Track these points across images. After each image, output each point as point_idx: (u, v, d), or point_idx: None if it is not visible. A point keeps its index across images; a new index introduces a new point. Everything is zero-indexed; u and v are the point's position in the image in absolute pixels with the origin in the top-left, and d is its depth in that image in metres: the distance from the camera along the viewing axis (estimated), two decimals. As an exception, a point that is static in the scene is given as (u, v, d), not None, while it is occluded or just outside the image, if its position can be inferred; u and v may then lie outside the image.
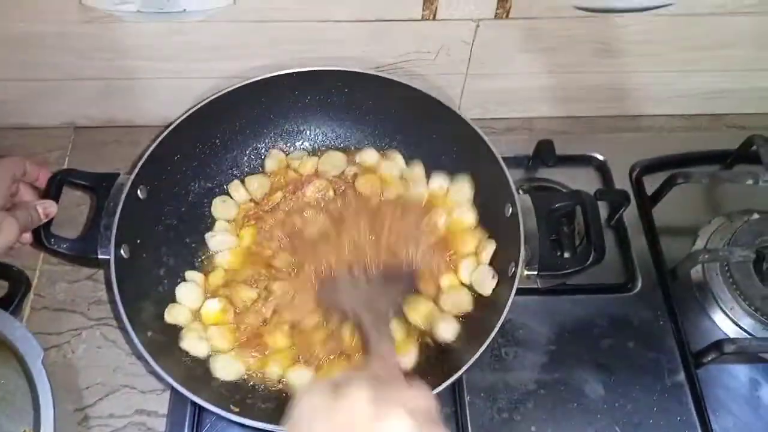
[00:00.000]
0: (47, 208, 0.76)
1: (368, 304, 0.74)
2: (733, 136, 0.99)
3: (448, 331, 0.78)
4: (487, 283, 0.79)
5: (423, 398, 0.47)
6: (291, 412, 0.47)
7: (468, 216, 0.86)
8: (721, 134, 1.05)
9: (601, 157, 0.98)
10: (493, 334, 0.68)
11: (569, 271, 0.74)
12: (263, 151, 0.94)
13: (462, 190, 0.87)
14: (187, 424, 0.78)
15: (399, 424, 0.42)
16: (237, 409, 0.68)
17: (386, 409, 0.43)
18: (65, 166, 0.98)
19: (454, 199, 0.88)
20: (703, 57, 0.96)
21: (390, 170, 0.90)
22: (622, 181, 0.96)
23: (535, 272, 0.73)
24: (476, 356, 0.67)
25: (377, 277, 0.79)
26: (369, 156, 0.92)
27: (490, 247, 0.81)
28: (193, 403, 0.77)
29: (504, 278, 0.74)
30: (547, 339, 0.85)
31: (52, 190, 0.77)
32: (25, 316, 0.86)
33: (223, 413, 0.66)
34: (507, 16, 0.85)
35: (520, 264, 0.72)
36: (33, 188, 0.78)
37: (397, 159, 0.92)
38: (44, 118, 1.01)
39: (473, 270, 0.82)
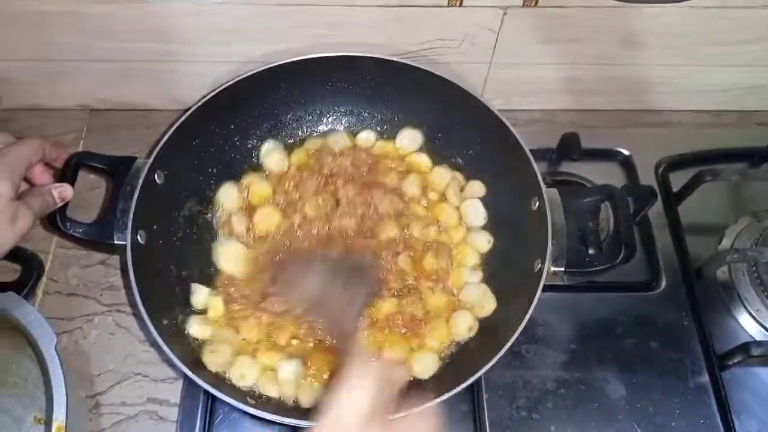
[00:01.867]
0: (63, 192, 0.74)
1: (333, 314, 0.71)
2: (762, 134, 0.97)
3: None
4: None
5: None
6: None
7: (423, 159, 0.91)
8: (750, 131, 1.03)
9: (626, 152, 0.96)
10: (517, 333, 0.67)
11: (598, 268, 0.72)
12: (281, 138, 0.93)
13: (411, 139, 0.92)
14: (199, 413, 0.77)
15: None
16: (253, 402, 0.67)
17: None
18: (80, 149, 0.96)
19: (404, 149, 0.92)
20: (734, 51, 0.93)
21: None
22: (647, 177, 0.94)
23: (562, 269, 0.71)
24: (500, 355, 0.66)
25: (340, 273, 0.75)
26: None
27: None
28: (206, 393, 0.76)
29: (529, 274, 0.72)
30: (568, 337, 0.83)
31: (68, 173, 0.76)
32: (37, 301, 0.85)
33: (239, 405, 0.65)
34: (535, 4, 0.82)
35: (547, 260, 0.70)
36: (49, 169, 0.77)
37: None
38: (59, 100, 0.99)
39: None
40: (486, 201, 0.87)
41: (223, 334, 0.77)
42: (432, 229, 0.84)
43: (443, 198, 0.88)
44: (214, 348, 0.76)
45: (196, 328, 0.77)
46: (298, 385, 0.75)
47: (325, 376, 0.76)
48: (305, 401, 0.74)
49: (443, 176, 0.89)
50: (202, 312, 0.79)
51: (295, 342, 0.77)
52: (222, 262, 0.82)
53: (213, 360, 0.75)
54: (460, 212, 0.87)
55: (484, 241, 0.85)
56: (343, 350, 0.65)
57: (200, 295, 0.80)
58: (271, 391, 0.74)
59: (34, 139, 0.74)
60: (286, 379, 0.75)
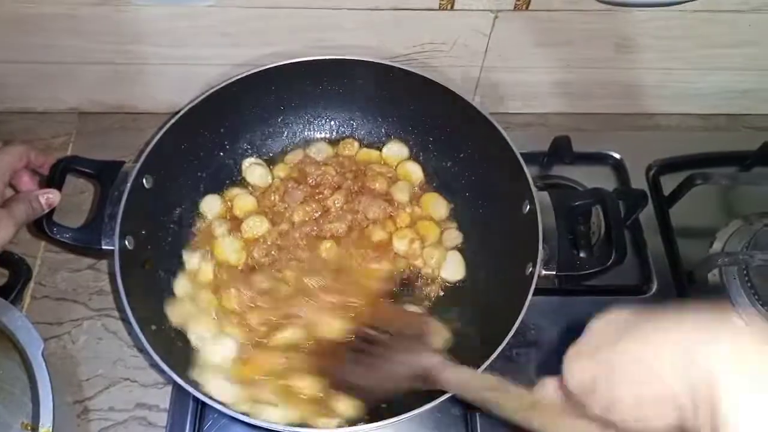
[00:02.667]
0: (50, 198, 0.73)
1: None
2: (752, 138, 0.97)
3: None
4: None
5: None
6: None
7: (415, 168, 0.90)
8: (740, 135, 1.03)
9: (617, 156, 0.96)
10: (508, 337, 0.66)
11: (589, 271, 0.72)
12: (272, 141, 0.92)
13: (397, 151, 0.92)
14: (189, 419, 0.76)
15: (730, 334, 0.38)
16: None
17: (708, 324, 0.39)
18: (69, 153, 0.96)
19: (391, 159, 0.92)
20: (724, 55, 0.94)
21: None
22: (638, 181, 0.94)
23: (553, 272, 0.71)
24: (491, 358, 0.65)
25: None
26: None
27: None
28: (195, 399, 0.76)
29: (521, 278, 0.72)
30: (559, 340, 0.83)
31: (55, 178, 0.75)
32: (25, 305, 0.84)
33: (228, 412, 0.64)
34: (527, 8, 0.82)
35: (538, 263, 0.69)
36: (35, 176, 0.76)
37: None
38: (49, 103, 0.99)
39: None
40: (476, 205, 0.87)
41: (203, 296, 0.79)
42: (416, 245, 0.84)
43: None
44: (182, 303, 0.78)
45: (181, 283, 0.80)
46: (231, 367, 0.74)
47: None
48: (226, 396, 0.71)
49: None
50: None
51: (263, 328, 0.77)
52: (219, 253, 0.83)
53: (176, 311, 0.77)
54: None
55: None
56: None
57: (194, 258, 0.82)
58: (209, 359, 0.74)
59: (19, 145, 0.73)
60: (216, 352, 0.75)
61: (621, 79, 0.97)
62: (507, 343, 0.67)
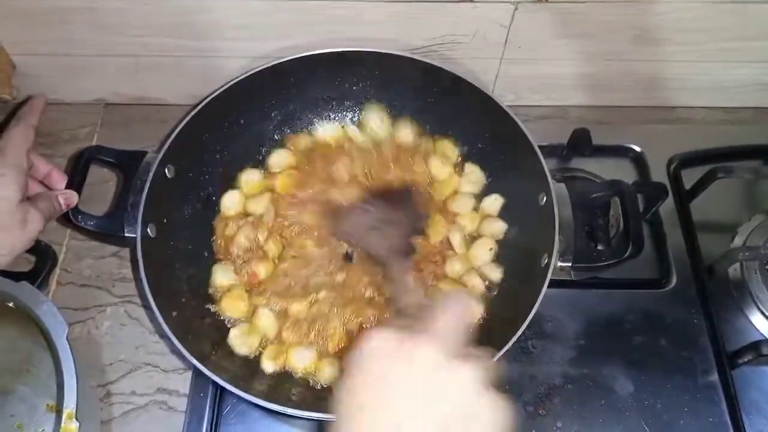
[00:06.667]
0: (68, 198, 0.76)
1: (382, 239, 0.75)
2: (775, 131, 0.96)
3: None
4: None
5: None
6: (356, 355, 0.45)
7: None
8: (764, 128, 1.01)
9: (638, 149, 0.95)
10: (523, 327, 0.67)
11: (605, 263, 0.72)
12: (291, 132, 0.93)
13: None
14: (208, 404, 0.78)
15: (473, 373, 0.43)
16: (263, 389, 0.68)
17: (459, 360, 0.43)
18: (94, 143, 0.98)
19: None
20: (748, 47, 0.92)
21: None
22: (658, 174, 0.93)
23: (569, 264, 0.71)
24: (505, 348, 0.66)
25: (385, 208, 0.80)
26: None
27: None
28: (215, 384, 0.77)
29: (536, 269, 0.72)
30: (576, 333, 0.83)
31: (79, 167, 0.77)
32: (51, 291, 0.86)
33: (246, 396, 0.65)
34: (546, 0, 0.82)
35: (554, 255, 0.69)
36: (59, 174, 0.78)
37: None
38: (74, 94, 1.01)
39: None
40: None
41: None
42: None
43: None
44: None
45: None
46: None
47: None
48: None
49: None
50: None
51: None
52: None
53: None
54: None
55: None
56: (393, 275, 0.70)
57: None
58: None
59: (19, 125, 0.75)
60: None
61: (642, 71, 0.96)
62: (523, 335, 0.67)
